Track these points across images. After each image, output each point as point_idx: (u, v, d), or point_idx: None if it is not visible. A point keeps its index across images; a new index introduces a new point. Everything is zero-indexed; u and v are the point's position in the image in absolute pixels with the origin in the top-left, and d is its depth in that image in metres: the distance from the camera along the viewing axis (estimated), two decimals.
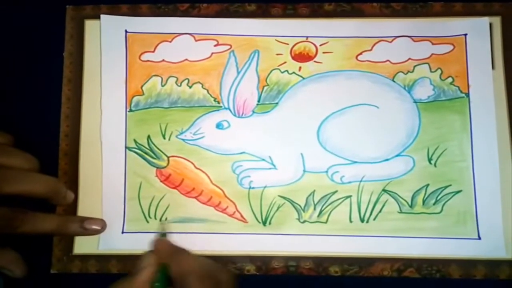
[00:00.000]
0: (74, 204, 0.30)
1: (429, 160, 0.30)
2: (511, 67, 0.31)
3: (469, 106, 0.30)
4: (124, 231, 0.30)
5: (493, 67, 0.31)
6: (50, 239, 0.30)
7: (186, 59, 0.31)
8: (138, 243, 0.29)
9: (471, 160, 0.30)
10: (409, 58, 0.31)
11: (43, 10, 0.32)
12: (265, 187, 0.30)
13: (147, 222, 0.30)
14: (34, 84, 0.32)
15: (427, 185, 0.30)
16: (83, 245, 0.29)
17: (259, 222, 0.30)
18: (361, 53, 0.31)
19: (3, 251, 0.27)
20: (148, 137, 0.31)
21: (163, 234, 0.27)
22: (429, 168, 0.30)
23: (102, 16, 0.31)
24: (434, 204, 0.29)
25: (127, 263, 0.29)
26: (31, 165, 0.28)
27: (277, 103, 0.31)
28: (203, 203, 0.30)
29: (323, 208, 0.30)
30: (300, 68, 0.31)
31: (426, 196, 0.29)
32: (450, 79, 0.31)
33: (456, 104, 0.30)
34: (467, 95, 0.30)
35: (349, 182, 0.30)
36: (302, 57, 0.31)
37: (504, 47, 0.31)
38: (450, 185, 0.29)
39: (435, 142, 0.30)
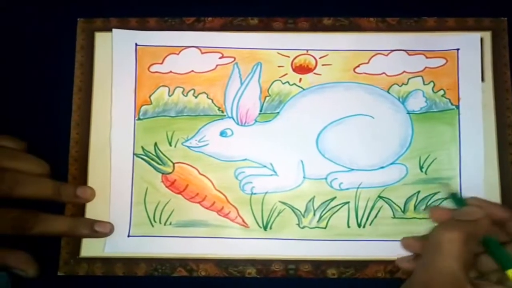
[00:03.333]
0: (82, 208, 0.31)
1: (421, 168, 0.31)
2: (500, 80, 0.32)
3: (459, 118, 0.32)
4: (130, 234, 0.31)
5: (482, 80, 0.32)
6: (58, 242, 0.31)
7: (192, 71, 0.33)
8: (143, 247, 0.31)
9: (459, 169, 0.31)
10: (404, 71, 0.32)
11: (56, 23, 0.34)
12: (266, 193, 0.31)
13: (152, 226, 0.31)
14: (46, 93, 0.33)
15: (418, 191, 0.31)
16: (89, 248, 0.30)
17: (260, 227, 0.31)
18: (358, 66, 0.32)
19: (15, 252, 0.28)
20: (155, 144, 0.32)
21: (458, 199, 0.26)
22: (421, 175, 0.31)
23: (114, 30, 0.33)
24: (424, 209, 0.31)
25: (132, 266, 0.30)
26: (42, 169, 0.29)
27: (278, 112, 0.32)
28: (206, 208, 0.31)
29: (322, 214, 0.31)
30: (300, 79, 0.33)
31: (417, 202, 0.31)
32: (442, 92, 0.32)
33: (447, 115, 0.32)
34: (457, 107, 0.32)
35: (347, 189, 0.31)
36: (302, 69, 0.33)
37: (493, 60, 0.32)
38: (439, 192, 0.31)
39: (426, 151, 0.31)
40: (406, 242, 0.26)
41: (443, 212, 0.25)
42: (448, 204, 0.26)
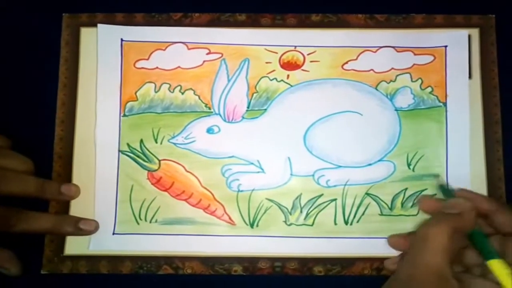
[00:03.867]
0: (67, 205, 0.31)
1: (408, 165, 0.31)
2: (488, 77, 0.32)
3: (446, 115, 0.32)
4: (115, 232, 0.31)
5: (470, 77, 0.32)
6: (42, 240, 0.30)
7: (179, 67, 0.32)
8: (128, 244, 0.30)
9: (446, 166, 0.31)
10: (392, 68, 0.32)
11: (41, 18, 0.33)
12: (253, 190, 0.31)
13: (138, 224, 0.31)
14: (31, 90, 0.33)
15: (406, 189, 0.31)
16: (74, 246, 0.30)
17: (247, 224, 0.31)
18: (346, 62, 0.32)
19: None
20: (141, 141, 0.32)
21: (447, 191, 0.26)
22: (408, 172, 0.31)
23: (99, 25, 0.33)
24: (411, 206, 0.31)
25: (117, 264, 0.30)
26: (27, 167, 0.29)
27: (265, 109, 0.32)
28: (193, 206, 0.31)
29: (309, 211, 0.31)
30: (288, 76, 0.32)
31: (404, 199, 0.31)
32: (429, 89, 0.32)
33: (434, 112, 0.32)
34: (445, 104, 0.32)
35: (335, 186, 0.31)
36: (290, 65, 0.32)
37: (481, 57, 0.32)
38: (426, 189, 0.31)
39: (414, 148, 0.31)
40: (392, 241, 0.26)
41: (431, 203, 0.25)
42: (438, 195, 0.26)
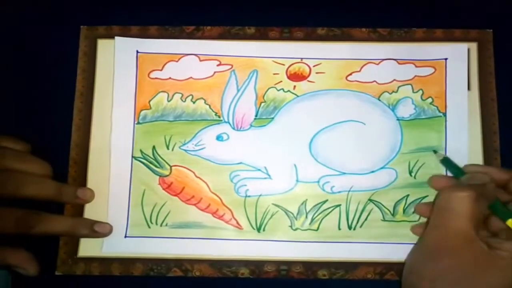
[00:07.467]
0: (81, 209, 0.32)
1: (410, 172, 0.32)
2: (486, 88, 0.33)
3: (446, 125, 0.33)
4: (127, 235, 0.32)
5: (469, 88, 0.33)
6: (56, 242, 0.31)
7: (191, 77, 0.34)
8: (140, 247, 0.31)
9: (445, 174, 0.32)
10: (394, 79, 0.34)
11: (60, 30, 0.35)
12: (260, 195, 0.32)
13: (149, 227, 0.32)
14: (49, 97, 0.34)
15: (407, 195, 0.32)
16: (87, 248, 0.31)
17: (254, 229, 0.32)
18: (350, 74, 0.34)
19: (17, 251, 0.29)
20: (153, 147, 0.33)
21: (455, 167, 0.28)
22: (410, 180, 0.32)
23: (116, 38, 0.34)
24: (413, 212, 0.32)
25: (129, 266, 0.31)
26: (45, 171, 0.30)
27: (273, 118, 0.33)
28: (202, 210, 0.32)
29: (314, 216, 0.32)
30: (294, 86, 0.34)
31: (406, 206, 0.32)
32: (430, 99, 0.33)
33: (434, 122, 0.33)
34: (445, 114, 0.33)
35: (339, 192, 0.32)
36: (296, 76, 0.34)
37: (479, 70, 0.33)
38: (427, 196, 0.32)
39: (415, 156, 0.32)
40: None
41: (446, 180, 0.26)
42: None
